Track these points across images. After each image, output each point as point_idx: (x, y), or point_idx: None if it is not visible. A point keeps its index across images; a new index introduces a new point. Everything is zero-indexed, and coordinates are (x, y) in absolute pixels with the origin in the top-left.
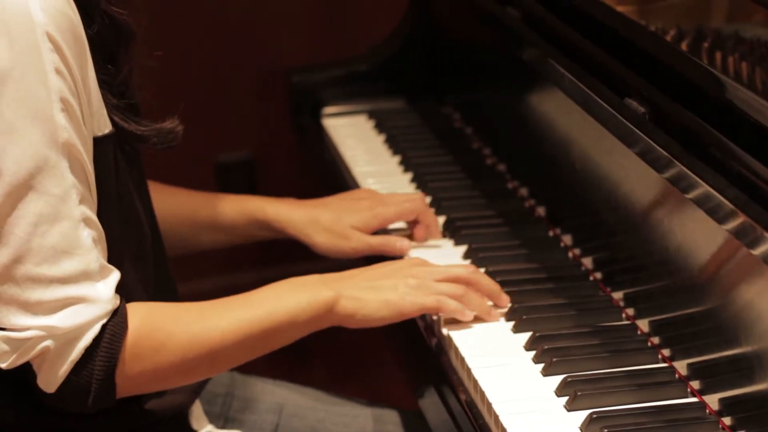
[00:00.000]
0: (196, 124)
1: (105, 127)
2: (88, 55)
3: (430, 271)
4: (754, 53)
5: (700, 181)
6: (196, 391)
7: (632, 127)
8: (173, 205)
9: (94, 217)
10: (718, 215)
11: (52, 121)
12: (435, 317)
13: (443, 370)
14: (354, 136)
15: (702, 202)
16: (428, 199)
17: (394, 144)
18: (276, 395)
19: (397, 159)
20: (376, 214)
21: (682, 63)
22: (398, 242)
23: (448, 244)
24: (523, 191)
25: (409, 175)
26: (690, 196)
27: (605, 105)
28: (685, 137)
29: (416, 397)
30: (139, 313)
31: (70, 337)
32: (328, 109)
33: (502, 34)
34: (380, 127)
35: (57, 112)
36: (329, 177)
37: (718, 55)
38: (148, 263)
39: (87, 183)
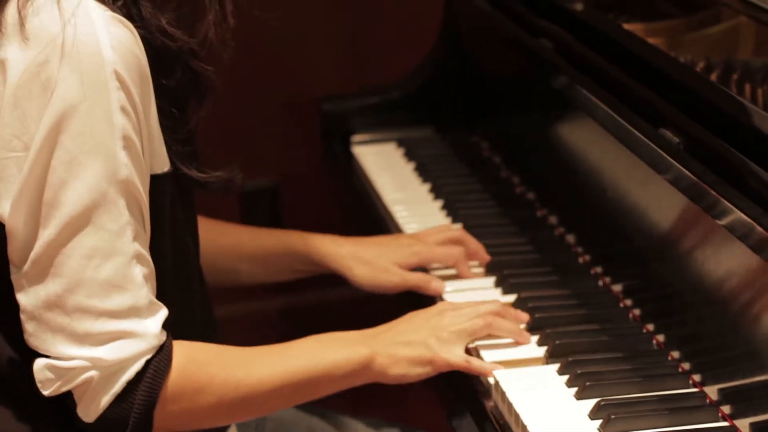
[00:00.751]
0: (222, 151)
1: (164, 166)
2: (152, 95)
3: (459, 314)
4: None
5: (735, 209)
6: None
7: (667, 156)
8: (216, 237)
9: (147, 254)
10: (752, 242)
11: (113, 158)
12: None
13: (476, 393)
14: (384, 163)
15: (737, 230)
16: (459, 226)
17: (424, 172)
18: (306, 420)
19: (427, 187)
20: (416, 251)
21: (714, 93)
22: (433, 282)
23: (478, 270)
24: (553, 219)
25: (439, 203)
26: (724, 222)
27: (640, 135)
28: (720, 166)
29: (449, 420)
30: (184, 352)
31: (115, 369)
32: (358, 137)
33: (535, 64)
34: (410, 155)
35: (119, 150)
36: (359, 204)
37: (748, 87)
38: (196, 299)
39: (142, 220)
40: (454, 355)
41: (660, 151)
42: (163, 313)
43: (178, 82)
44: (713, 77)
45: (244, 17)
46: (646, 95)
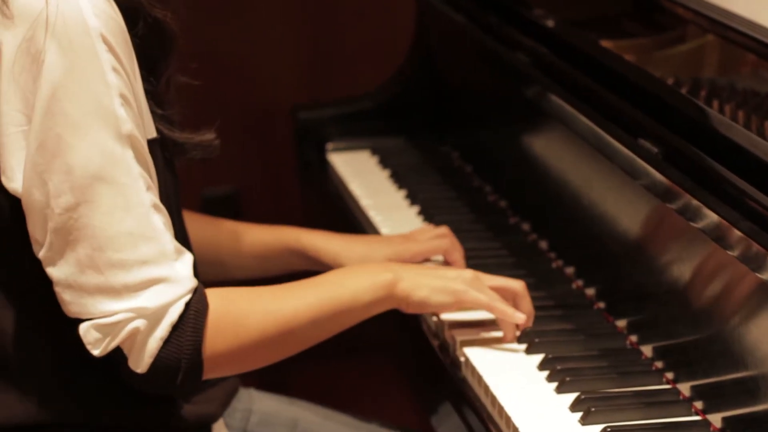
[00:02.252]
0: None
1: (152, 132)
2: (135, 60)
3: (487, 276)
4: (748, 102)
5: (714, 214)
6: (224, 404)
7: (647, 165)
8: (210, 232)
9: (160, 203)
10: (729, 244)
11: (114, 115)
12: (450, 339)
13: (458, 388)
14: (359, 170)
15: (714, 233)
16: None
17: (399, 179)
18: (291, 412)
19: (402, 193)
20: (408, 248)
21: (689, 106)
22: None
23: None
24: (525, 226)
25: (415, 209)
26: (701, 226)
27: (620, 145)
28: (697, 174)
29: (428, 414)
30: (216, 293)
31: (158, 315)
32: (332, 145)
33: (513, 77)
34: (384, 162)
35: (118, 107)
36: (335, 209)
37: (715, 103)
38: None
39: (149, 171)
40: (480, 296)
41: (639, 160)
42: (190, 256)
43: (143, 36)
44: (683, 92)
45: (205, 27)
46: (624, 107)
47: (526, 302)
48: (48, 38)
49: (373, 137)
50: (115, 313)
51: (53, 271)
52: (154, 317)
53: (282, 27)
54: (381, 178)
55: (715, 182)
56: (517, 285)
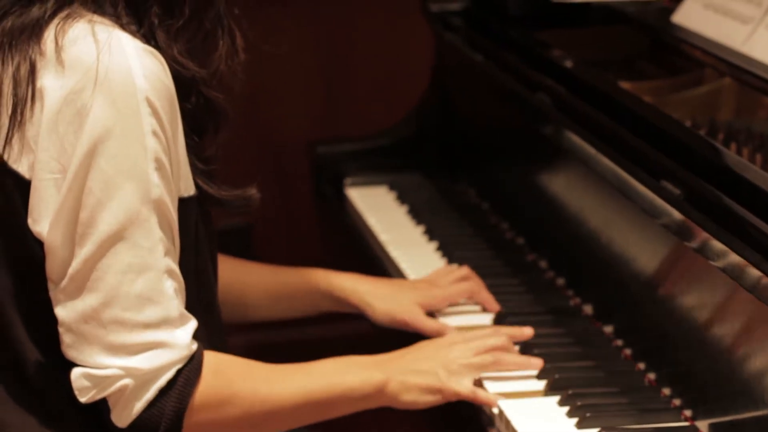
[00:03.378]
0: None
1: (190, 189)
2: (180, 121)
3: (468, 348)
4: (765, 146)
5: (736, 255)
6: None
7: (670, 207)
8: (240, 274)
9: (177, 269)
10: (751, 286)
11: (146, 179)
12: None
13: (480, 422)
14: (377, 205)
15: (736, 274)
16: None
17: (417, 215)
18: None
19: (421, 229)
20: (434, 294)
21: (709, 149)
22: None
23: (476, 308)
24: (543, 263)
25: (434, 245)
26: (720, 265)
27: (642, 186)
28: (719, 216)
29: None
30: (213, 363)
31: (148, 378)
32: (350, 180)
33: (533, 117)
34: (402, 198)
35: (151, 171)
36: (352, 244)
37: (733, 146)
38: (215, 316)
39: (172, 237)
40: (463, 386)
41: (661, 201)
42: (193, 324)
43: (194, 107)
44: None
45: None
46: (645, 149)
47: (514, 349)
48: (96, 93)
49: (391, 173)
50: (108, 367)
51: (60, 311)
52: (143, 379)
53: (297, 62)
54: (399, 213)
55: (736, 223)
56: (498, 341)
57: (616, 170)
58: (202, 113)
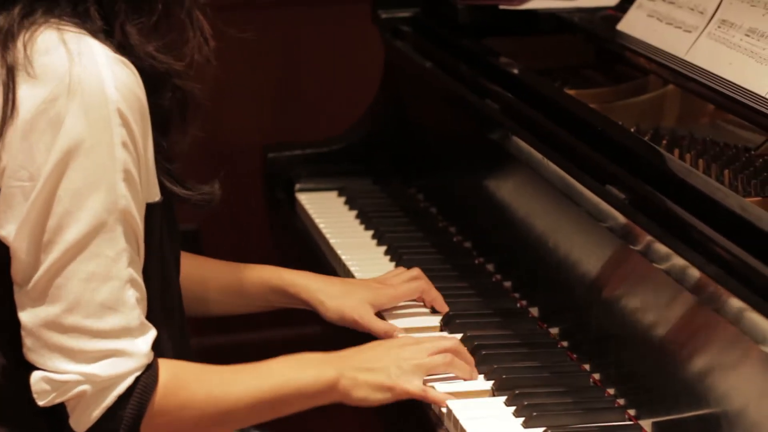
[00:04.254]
0: None
1: (156, 196)
2: (150, 129)
3: (420, 349)
4: (707, 151)
5: (682, 258)
6: None
7: (615, 211)
8: (193, 269)
9: (140, 279)
10: (693, 287)
11: (114, 190)
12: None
13: (428, 421)
14: (327, 210)
15: (679, 276)
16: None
17: (366, 219)
18: None
19: (370, 233)
20: (384, 293)
21: (653, 154)
22: (396, 333)
23: (425, 309)
24: (490, 267)
25: (383, 248)
26: (663, 267)
27: (588, 191)
28: (664, 220)
29: None
30: (169, 370)
31: (106, 384)
32: (300, 185)
33: (482, 124)
34: (351, 203)
35: (119, 182)
36: (303, 248)
37: (676, 152)
38: (176, 320)
39: (137, 247)
40: (413, 385)
41: (608, 206)
42: (153, 333)
43: (168, 102)
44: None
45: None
46: (590, 154)
47: (465, 353)
48: (68, 104)
49: (341, 178)
50: (67, 372)
51: (23, 316)
52: (102, 386)
53: (247, 67)
54: (349, 218)
55: (680, 227)
56: (450, 344)
57: (562, 175)
58: (177, 108)
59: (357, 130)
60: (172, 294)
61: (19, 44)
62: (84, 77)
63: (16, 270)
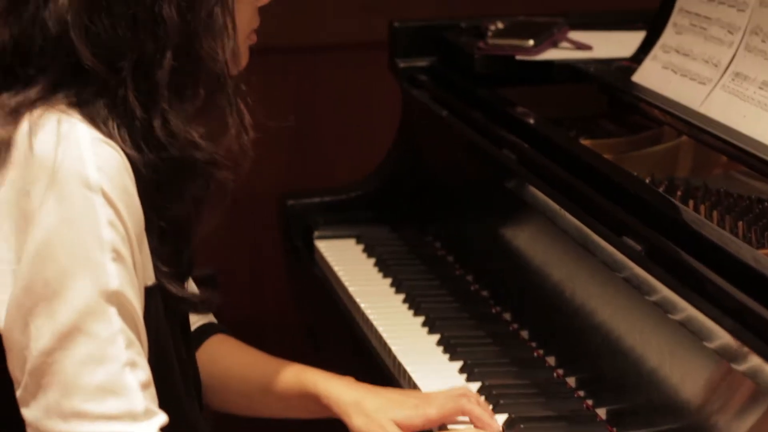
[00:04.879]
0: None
1: (150, 279)
2: (139, 210)
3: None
4: (721, 202)
5: (698, 311)
6: None
7: (631, 262)
8: (242, 365)
9: (142, 362)
10: (706, 338)
11: (103, 270)
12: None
13: None
14: (345, 258)
15: (697, 330)
16: (421, 319)
17: (384, 267)
18: None
19: (388, 281)
20: (421, 413)
21: (670, 206)
22: None
23: (444, 358)
24: (507, 315)
25: (401, 296)
26: (678, 318)
27: (604, 242)
28: (679, 272)
29: None
30: None
31: None
32: (319, 232)
33: (495, 171)
34: (369, 251)
35: (108, 262)
36: (322, 295)
37: (691, 203)
38: (180, 408)
39: (136, 329)
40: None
41: (624, 257)
42: (161, 418)
43: (200, 191)
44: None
45: None
46: (608, 206)
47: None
48: (48, 185)
49: (359, 226)
50: None
51: (25, 412)
52: None
53: (264, 113)
54: (367, 265)
55: (694, 279)
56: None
57: (578, 225)
58: (207, 198)
59: (374, 177)
60: (173, 381)
61: (24, 123)
62: (66, 158)
63: (12, 362)
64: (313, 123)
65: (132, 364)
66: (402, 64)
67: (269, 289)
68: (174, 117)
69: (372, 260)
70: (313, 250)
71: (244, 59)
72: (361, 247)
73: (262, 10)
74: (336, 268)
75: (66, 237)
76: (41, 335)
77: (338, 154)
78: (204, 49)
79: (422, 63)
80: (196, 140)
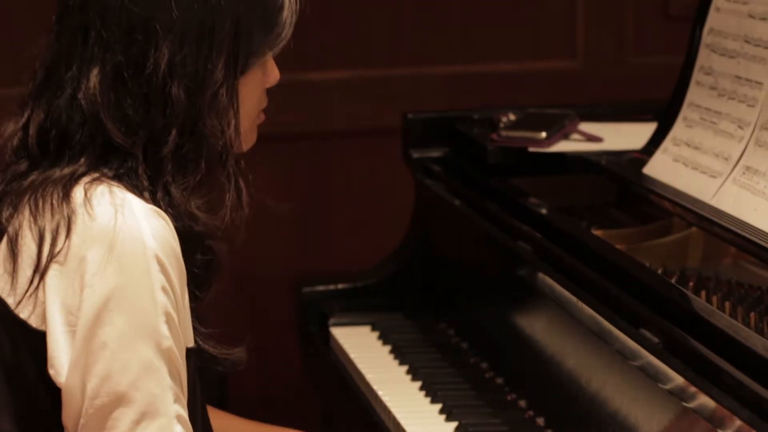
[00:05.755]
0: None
1: (190, 341)
2: (185, 277)
3: None
4: (733, 293)
5: (716, 403)
6: None
7: (647, 351)
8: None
9: (186, 415)
10: (720, 425)
11: (157, 332)
12: None
13: None
14: (361, 345)
15: (717, 421)
16: (438, 406)
17: (400, 355)
18: None
19: (404, 368)
20: None
21: (685, 300)
22: None
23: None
24: (522, 403)
25: (418, 384)
26: (693, 406)
27: (622, 334)
28: (697, 365)
29: None
30: None
31: None
32: (334, 320)
33: (514, 264)
34: (384, 338)
35: (161, 324)
36: (338, 382)
37: (703, 293)
38: None
39: (181, 385)
40: None
41: (641, 348)
42: None
43: (200, 262)
44: (673, 281)
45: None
46: (624, 298)
47: None
48: (107, 251)
49: (373, 313)
50: None
51: None
52: None
53: (276, 198)
54: (383, 353)
55: (709, 369)
56: None
57: (594, 316)
58: (205, 269)
59: (388, 264)
60: None
61: (77, 194)
62: (124, 228)
63: (68, 414)
64: (324, 207)
65: (179, 418)
66: (415, 155)
67: (283, 373)
68: (175, 189)
69: (387, 347)
70: (328, 337)
71: (252, 138)
72: (376, 334)
73: (271, 92)
74: (352, 356)
75: (124, 300)
76: (97, 394)
77: (348, 238)
78: (207, 128)
79: (435, 153)
80: (195, 212)
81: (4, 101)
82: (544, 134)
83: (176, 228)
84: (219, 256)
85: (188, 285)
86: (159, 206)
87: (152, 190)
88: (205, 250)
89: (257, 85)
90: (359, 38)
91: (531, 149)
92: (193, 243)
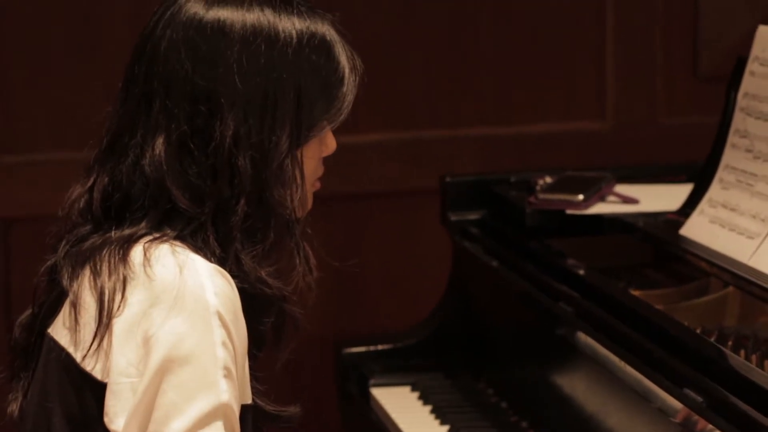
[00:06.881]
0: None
1: (248, 398)
2: (245, 334)
3: None
4: None
5: None
6: None
7: (695, 414)
8: None
9: None
10: None
11: (216, 385)
12: None
13: None
14: (402, 405)
15: None
16: None
17: (441, 415)
18: None
19: (445, 428)
20: None
21: (723, 358)
22: None
23: None
24: None
25: None
26: None
27: (666, 394)
28: (741, 424)
29: None
30: None
31: None
32: (374, 380)
33: (553, 325)
34: (425, 398)
35: (221, 378)
36: None
37: (742, 353)
38: None
39: None
40: None
41: (681, 405)
42: None
43: (269, 325)
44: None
45: None
46: (666, 358)
47: None
48: (171, 307)
49: (413, 373)
50: None
51: None
52: None
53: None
54: (423, 413)
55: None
56: None
57: (637, 376)
58: (276, 331)
59: (427, 325)
60: None
61: (137, 252)
62: (188, 284)
63: None
64: (359, 268)
65: None
66: (453, 217)
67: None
68: (245, 256)
69: (428, 407)
70: (368, 398)
71: (308, 205)
72: (416, 394)
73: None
74: (394, 416)
75: (186, 355)
76: None
77: (384, 298)
78: (275, 198)
79: (473, 216)
80: (265, 278)
81: (73, 165)
82: (581, 197)
83: (246, 289)
84: (294, 318)
85: (255, 346)
86: (229, 272)
87: (223, 257)
88: (278, 314)
89: (315, 154)
90: (394, 100)
91: (568, 211)
92: (263, 305)
